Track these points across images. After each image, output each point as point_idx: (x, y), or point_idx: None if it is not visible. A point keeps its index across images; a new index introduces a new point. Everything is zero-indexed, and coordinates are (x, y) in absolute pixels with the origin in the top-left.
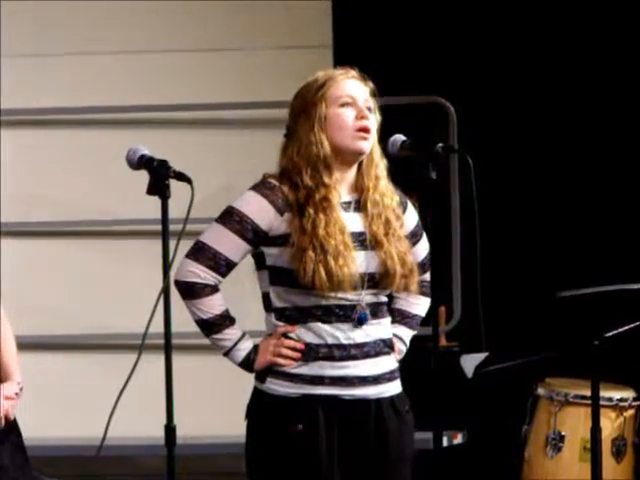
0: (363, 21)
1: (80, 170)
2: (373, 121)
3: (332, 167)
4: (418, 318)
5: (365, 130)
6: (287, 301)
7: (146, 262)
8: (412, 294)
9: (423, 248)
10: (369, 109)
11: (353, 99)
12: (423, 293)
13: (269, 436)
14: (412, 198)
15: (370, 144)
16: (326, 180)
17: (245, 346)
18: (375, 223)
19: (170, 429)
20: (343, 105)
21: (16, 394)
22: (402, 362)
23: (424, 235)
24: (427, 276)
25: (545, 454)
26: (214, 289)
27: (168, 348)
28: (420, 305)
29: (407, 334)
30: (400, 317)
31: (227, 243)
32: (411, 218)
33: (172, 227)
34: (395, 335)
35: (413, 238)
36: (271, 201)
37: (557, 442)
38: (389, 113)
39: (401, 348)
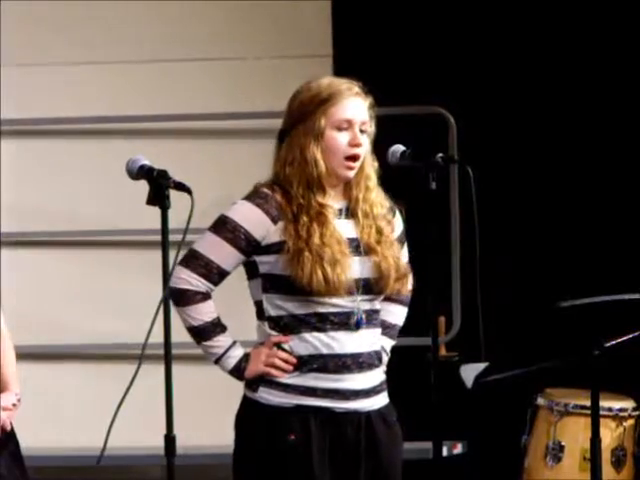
0: (363, 31)
1: (80, 180)
2: (365, 143)
3: (326, 187)
4: (397, 327)
5: (354, 159)
6: (282, 309)
7: (146, 272)
8: (391, 303)
9: (404, 256)
10: (363, 130)
11: (350, 123)
12: (401, 302)
13: (261, 446)
14: (400, 206)
15: (355, 171)
16: (320, 200)
17: (236, 354)
18: (366, 233)
19: (170, 439)
20: (339, 128)
21: (14, 405)
22: (402, 372)
23: (405, 244)
24: (409, 285)
25: (545, 464)
26: (205, 296)
27: (168, 358)
28: (399, 315)
29: (388, 343)
30: (381, 327)
31: (220, 252)
32: (398, 225)
33: (172, 237)
34: None
35: (399, 244)
36: (265, 210)
37: (557, 452)
38: (389, 123)
39: (384, 358)
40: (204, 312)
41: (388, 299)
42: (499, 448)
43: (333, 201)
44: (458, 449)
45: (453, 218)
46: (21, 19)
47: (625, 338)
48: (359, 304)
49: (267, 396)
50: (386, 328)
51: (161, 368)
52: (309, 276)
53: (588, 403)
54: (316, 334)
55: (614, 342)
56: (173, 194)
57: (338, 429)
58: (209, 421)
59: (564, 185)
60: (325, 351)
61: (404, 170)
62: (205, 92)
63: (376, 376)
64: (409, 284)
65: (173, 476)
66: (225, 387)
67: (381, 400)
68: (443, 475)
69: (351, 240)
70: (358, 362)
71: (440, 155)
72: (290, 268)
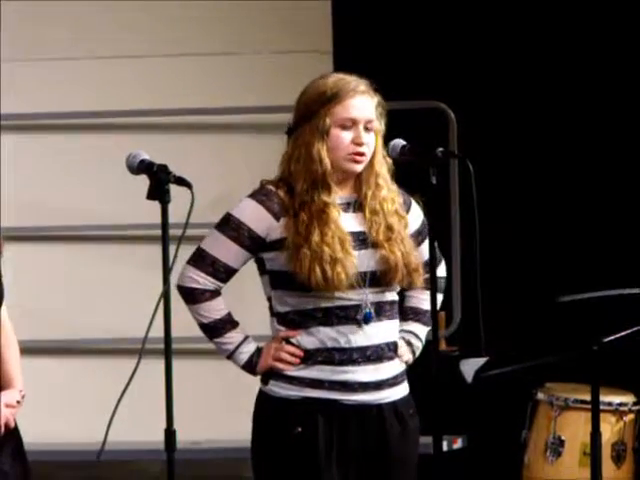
0: (363, 26)
1: (80, 175)
2: (371, 140)
3: (331, 184)
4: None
5: (358, 155)
6: (288, 305)
7: (146, 267)
8: (422, 290)
9: (423, 251)
10: (368, 129)
11: (354, 121)
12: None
13: (271, 437)
14: (415, 197)
15: (363, 165)
16: (325, 198)
17: (247, 349)
18: (375, 230)
19: (170, 433)
20: (343, 127)
21: (17, 402)
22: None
23: (427, 237)
24: (441, 271)
25: (545, 459)
26: (214, 294)
27: (168, 352)
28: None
29: (422, 330)
30: (413, 314)
31: (225, 250)
32: (415, 217)
33: (172, 232)
34: (410, 332)
35: (419, 237)
36: (267, 207)
37: (557, 447)
38: (389, 118)
39: (416, 344)
40: (213, 310)
41: (408, 287)
42: (499, 443)
43: (341, 196)
44: (458, 444)
45: (453, 212)
46: (21, 14)
47: (625, 333)
48: (368, 297)
49: (275, 389)
50: (419, 315)
51: (161, 362)
52: (307, 273)
53: (588, 398)
54: (322, 328)
55: (614, 337)
56: (173, 189)
57: (346, 422)
58: (210, 415)
59: (564, 179)
60: (331, 345)
61: (404, 165)
62: (205, 87)
63: (389, 368)
64: (422, 275)
65: (173, 471)
66: (226, 382)
67: (397, 392)
68: (443, 470)
69: (358, 233)
70: (365, 355)
71: (440, 149)
72: (290, 264)
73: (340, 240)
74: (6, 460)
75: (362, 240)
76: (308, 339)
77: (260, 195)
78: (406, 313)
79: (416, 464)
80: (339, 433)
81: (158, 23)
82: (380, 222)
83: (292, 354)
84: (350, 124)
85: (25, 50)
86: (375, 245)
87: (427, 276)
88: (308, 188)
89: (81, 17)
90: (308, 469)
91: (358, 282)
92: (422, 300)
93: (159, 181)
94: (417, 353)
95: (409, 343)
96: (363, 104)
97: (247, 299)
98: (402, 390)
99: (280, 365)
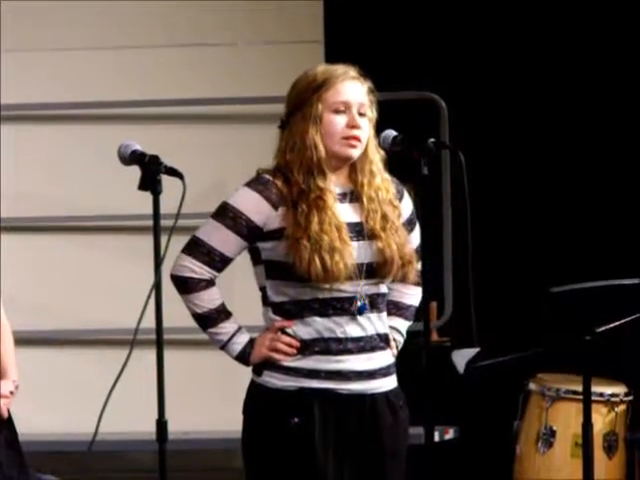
0: (355, 16)
1: (72, 165)
2: (365, 125)
3: (326, 170)
4: (413, 309)
5: (354, 139)
6: (284, 295)
7: (138, 257)
8: (404, 284)
9: (417, 236)
10: (362, 114)
11: (347, 105)
12: (415, 283)
13: (265, 429)
14: (407, 186)
15: (359, 150)
16: (320, 184)
17: (241, 340)
18: (372, 218)
19: (161, 424)
20: (336, 111)
21: (11, 393)
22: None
23: (417, 224)
24: (418, 265)
25: (536, 449)
26: (209, 283)
27: (160, 343)
28: (413, 295)
29: (403, 325)
30: (395, 309)
31: (221, 239)
32: (407, 206)
33: (163, 222)
34: (391, 327)
35: (408, 226)
36: (265, 196)
37: (548, 437)
38: (381, 108)
39: (398, 339)
40: (208, 299)
41: (401, 280)
42: (491, 433)
43: (337, 185)
44: (450, 434)
45: (444, 203)
46: (20, 5)
47: (617, 323)
48: (362, 289)
49: (271, 380)
50: (401, 309)
51: (153, 353)
52: (307, 264)
53: (580, 388)
54: (318, 319)
55: (606, 327)
56: (165, 179)
57: (341, 412)
58: (202, 406)
59: (556, 169)
60: (327, 335)
61: (396, 155)
62: (198, 78)
63: (381, 358)
64: (415, 268)
65: (165, 461)
66: (218, 373)
67: (388, 383)
68: (435, 460)
69: (354, 224)
70: (360, 346)
71: (432, 140)
72: (289, 256)
73: (337, 228)
74: (0, 451)
75: (358, 231)
76: (304, 329)
77: (257, 184)
78: (387, 307)
79: (405, 455)
80: (335, 423)
81: (151, 14)
82: (377, 209)
83: (289, 345)
84: (343, 108)
85: (24, 41)
86: (371, 237)
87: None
88: (304, 176)
89: (77, 9)
90: (305, 460)
91: (355, 274)
92: (404, 294)
93: (151, 172)
94: (399, 348)
95: (393, 339)
96: (354, 88)
97: (236, 289)
98: (393, 381)
99: (277, 356)
